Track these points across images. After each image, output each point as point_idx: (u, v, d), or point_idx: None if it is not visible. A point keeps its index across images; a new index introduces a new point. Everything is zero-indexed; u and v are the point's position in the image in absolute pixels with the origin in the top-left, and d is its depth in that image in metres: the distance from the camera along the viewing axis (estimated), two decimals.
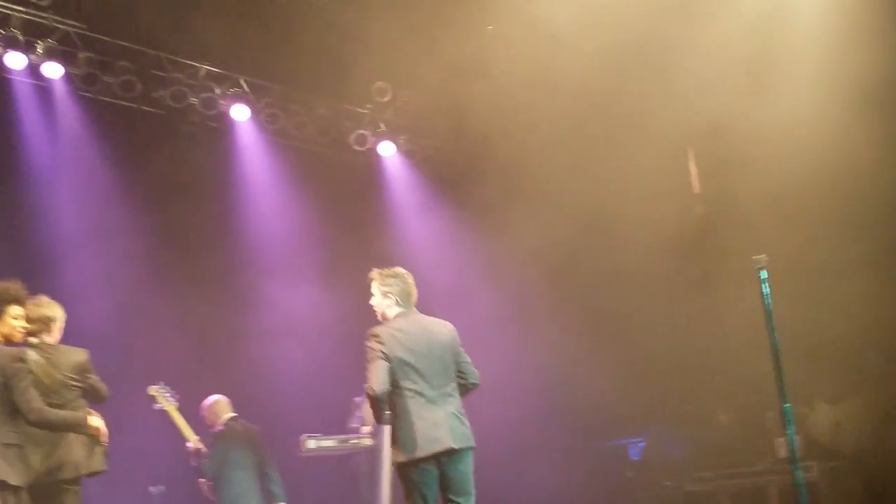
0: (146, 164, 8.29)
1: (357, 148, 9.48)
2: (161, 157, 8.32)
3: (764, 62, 7.75)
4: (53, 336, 5.04)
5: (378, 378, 4.73)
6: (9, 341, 4.62)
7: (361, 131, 9.46)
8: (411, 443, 4.73)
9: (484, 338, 8.79)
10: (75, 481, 4.91)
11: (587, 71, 7.89)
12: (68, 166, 8.01)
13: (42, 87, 7.92)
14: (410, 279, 5.25)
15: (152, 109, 8.40)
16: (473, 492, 4.89)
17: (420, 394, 4.81)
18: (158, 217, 8.35)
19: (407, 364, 4.84)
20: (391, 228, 9.71)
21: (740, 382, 8.51)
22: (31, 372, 4.59)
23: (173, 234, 8.42)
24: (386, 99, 9.31)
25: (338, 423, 7.92)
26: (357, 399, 8.07)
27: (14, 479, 4.31)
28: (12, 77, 7.76)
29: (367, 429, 7.79)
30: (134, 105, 8.28)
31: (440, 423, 4.75)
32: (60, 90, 7.98)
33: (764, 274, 5.16)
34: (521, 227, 9.16)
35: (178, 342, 8.17)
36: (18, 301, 4.63)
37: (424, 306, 8.93)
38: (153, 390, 6.55)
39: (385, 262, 9.03)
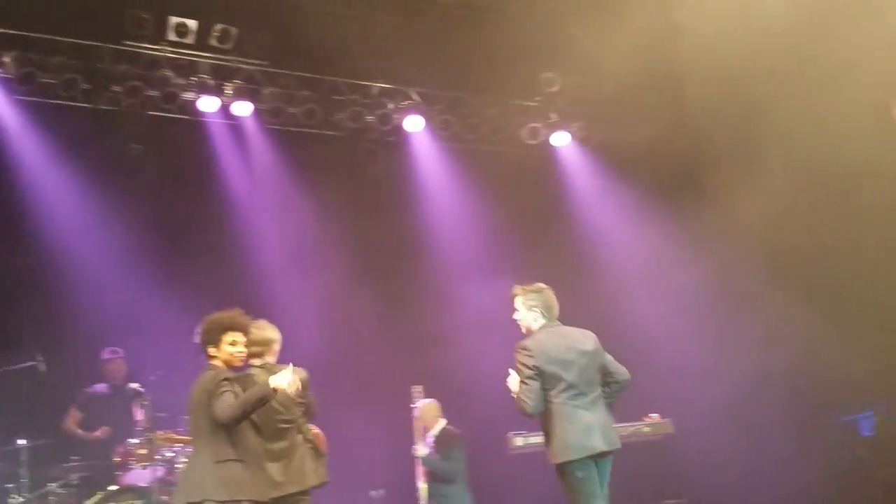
0: (334, 184, 8.66)
1: (530, 142, 9.48)
2: (346, 176, 8.69)
3: None
4: (274, 356, 5.35)
5: (531, 399, 5.12)
6: (229, 367, 4.91)
7: (533, 124, 9.45)
8: (566, 447, 5.08)
9: (688, 319, 8.62)
10: (306, 492, 5.19)
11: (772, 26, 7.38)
12: (266, 196, 8.49)
13: (234, 126, 8.46)
14: (552, 293, 5.50)
15: (333, 133, 8.78)
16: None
17: (571, 401, 5.12)
18: (351, 232, 8.70)
19: (556, 375, 5.13)
20: (573, 217, 9.61)
21: None
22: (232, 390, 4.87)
23: (367, 248, 8.74)
24: (554, 89, 9.25)
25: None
26: None
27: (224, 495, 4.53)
28: (207, 119, 8.34)
29: None
30: (316, 130, 8.67)
31: (592, 428, 5.09)
32: (251, 126, 8.50)
33: None
34: (721, 204, 8.81)
35: (384, 349, 8.50)
36: (234, 328, 4.89)
37: (624, 293, 8.95)
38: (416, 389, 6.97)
39: (571, 250, 9.20)
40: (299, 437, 5.17)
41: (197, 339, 4.88)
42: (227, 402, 4.58)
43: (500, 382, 8.21)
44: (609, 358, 5.42)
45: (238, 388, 4.77)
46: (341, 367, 7.91)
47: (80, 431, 7.27)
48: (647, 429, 7.81)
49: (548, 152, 9.67)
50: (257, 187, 8.51)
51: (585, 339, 5.37)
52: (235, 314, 4.93)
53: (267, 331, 5.37)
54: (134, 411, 7.09)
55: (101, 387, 7.47)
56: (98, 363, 7.52)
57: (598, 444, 5.09)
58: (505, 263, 8.78)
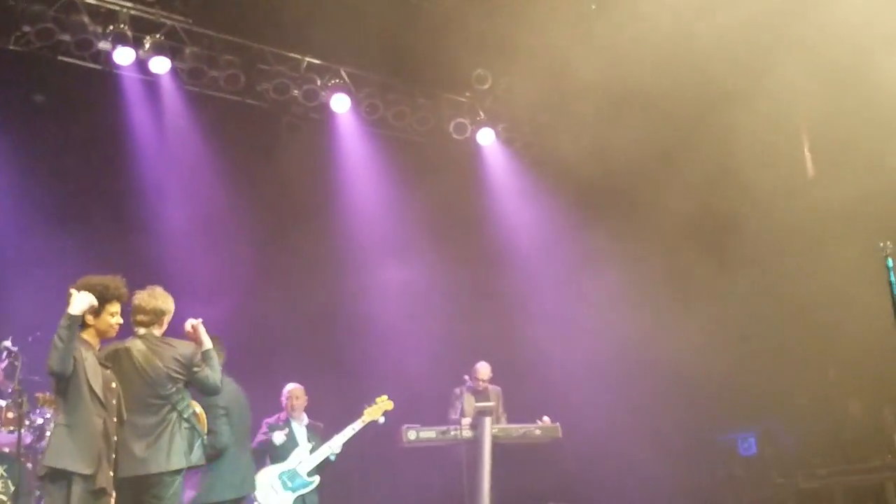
0: (250, 155, 8.44)
1: (456, 136, 9.42)
2: (264, 148, 8.48)
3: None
4: (161, 328, 5.10)
5: None
6: (102, 338, 4.62)
7: (460, 119, 9.39)
8: None
9: (590, 323, 8.73)
10: (175, 473, 4.88)
11: (699, 53, 7.55)
12: (174, 159, 8.19)
13: (149, 82, 8.12)
14: None
15: (256, 102, 8.54)
16: None
17: None
18: (262, 209, 8.48)
19: None
20: (489, 215, 9.62)
21: (859, 375, 8.12)
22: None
23: (277, 223, 8.55)
24: (486, 87, 9.21)
25: (439, 415, 7.92)
26: (457, 390, 8.06)
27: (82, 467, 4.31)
28: (121, 72, 7.98)
29: (467, 420, 7.77)
30: (238, 98, 8.42)
31: None
32: (167, 85, 8.18)
33: (890, 262, 4.88)
34: (628, 214, 8.97)
35: (288, 331, 8.33)
36: (119, 299, 4.60)
37: (530, 293, 9.04)
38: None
39: (481, 247, 9.23)
40: (173, 415, 4.89)
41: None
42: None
43: (395, 376, 8.29)
44: None
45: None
46: (242, 341, 7.66)
47: None
48: (538, 431, 7.90)
49: (472, 149, 9.63)
50: (167, 149, 8.18)
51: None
52: (119, 282, 4.61)
53: (160, 300, 5.07)
54: None
55: None
56: None
57: None
58: (413, 258, 8.75)
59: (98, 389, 4.38)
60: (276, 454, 6.84)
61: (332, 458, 6.83)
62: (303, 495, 6.76)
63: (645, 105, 8.29)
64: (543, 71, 8.40)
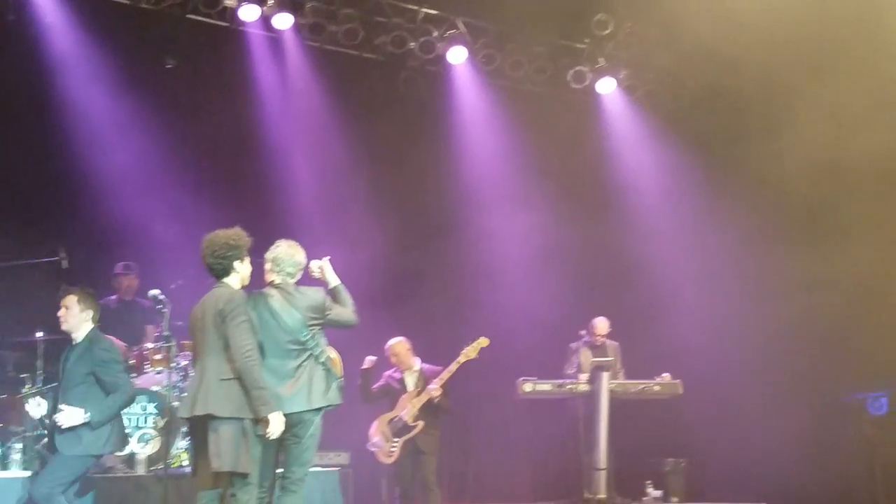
0: (370, 109, 8.54)
1: (575, 86, 9.24)
2: (382, 102, 8.57)
3: None
4: (295, 279, 5.32)
5: None
6: (243, 286, 4.92)
7: (579, 68, 9.20)
8: None
9: (711, 276, 8.52)
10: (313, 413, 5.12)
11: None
12: (298, 116, 8.39)
13: (272, 39, 8.31)
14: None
15: (373, 56, 8.61)
16: None
17: None
18: (382, 159, 8.61)
19: None
20: (611, 166, 9.44)
21: None
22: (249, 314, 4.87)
23: (396, 176, 8.66)
24: (606, 32, 8.97)
25: (555, 369, 7.96)
26: (573, 345, 8.06)
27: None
28: (246, 29, 8.19)
29: (584, 375, 7.78)
30: (356, 53, 8.50)
31: None
32: (290, 41, 8.35)
33: None
34: (754, 161, 8.63)
35: (409, 283, 8.51)
36: (249, 249, 4.90)
37: (651, 246, 8.87)
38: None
39: (606, 200, 9.10)
40: (310, 360, 5.12)
41: (221, 256, 4.82)
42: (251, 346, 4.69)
43: (513, 327, 8.37)
44: None
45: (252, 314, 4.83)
46: (367, 292, 7.86)
47: None
48: (657, 387, 7.84)
49: (591, 98, 9.44)
50: (291, 105, 8.39)
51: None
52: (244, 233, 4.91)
53: (297, 252, 5.26)
54: (143, 324, 7.15)
55: (111, 299, 7.54)
56: (111, 275, 7.57)
57: None
58: (530, 209, 8.72)
59: None
60: (390, 401, 7.06)
61: (436, 400, 6.83)
62: (412, 440, 6.84)
63: (771, 47, 7.89)
64: (667, 14, 8.09)
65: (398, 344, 7.02)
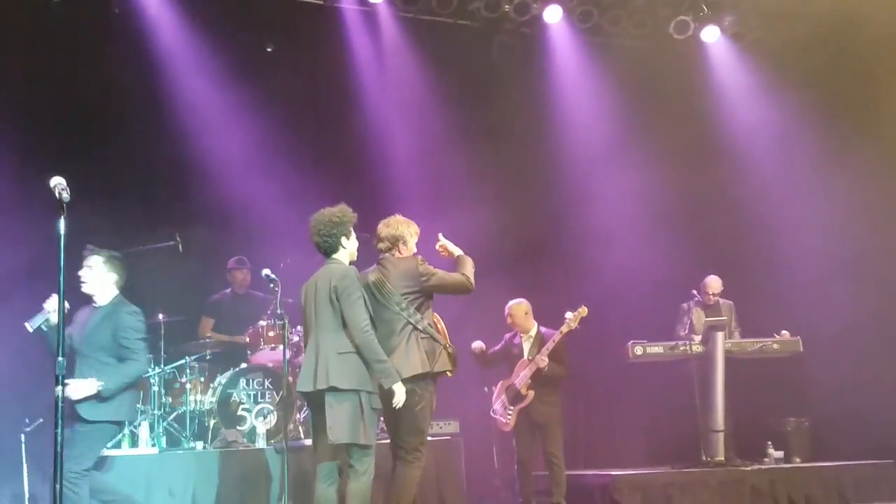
0: (465, 78, 8.47)
1: (677, 37, 8.90)
2: (478, 69, 8.48)
3: None
4: (405, 251, 5.35)
5: None
6: (351, 262, 5.07)
7: (682, 17, 8.84)
8: None
9: (829, 229, 8.12)
10: (417, 379, 5.15)
11: None
12: (396, 88, 8.41)
13: (367, 13, 8.34)
14: None
15: (468, 23, 8.51)
16: None
17: None
18: (480, 130, 8.54)
19: None
20: (720, 118, 9.05)
21: None
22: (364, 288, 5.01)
23: (493, 144, 8.58)
24: None
25: (666, 331, 7.78)
26: (685, 305, 7.86)
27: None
28: (341, 6, 8.24)
29: (697, 336, 7.58)
30: (450, 20, 8.43)
31: None
32: (384, 13, 8.36)
33: None
34: (871, 106, 8.14)
35: (513, 245, 8.45)
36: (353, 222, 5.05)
37: (764, 199, 8.50)
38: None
39: (716, 154, 8.76)
40: (408, 328, 5.17)
41: (327, 234, 4.94)
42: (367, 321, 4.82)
43: (626, 285, 8.21)
44: None
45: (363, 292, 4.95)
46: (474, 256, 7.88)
47: (219, 336, 7.62)
48: (776, 346, 7.58)
49: (695, 48, 9.07)
50: (389, 78, 8.42)
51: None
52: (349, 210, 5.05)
53: (393, 227, 5.38)
54: (258, 317, 7.34)
55: (226, 293, 7.83)
56: (225, 269, 7.87)
57: None
58: (641, 160, 8.48)
59: None
60: (509, 366, 7.00)
61: (544, 371, 6.72)
62: (526, 410, 6.77)
63: None
64: None
65: (516, 306, 6.91)
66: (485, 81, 8.59)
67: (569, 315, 6.71)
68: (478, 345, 6.93)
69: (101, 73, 7.31)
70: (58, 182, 3.82)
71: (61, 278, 3.80)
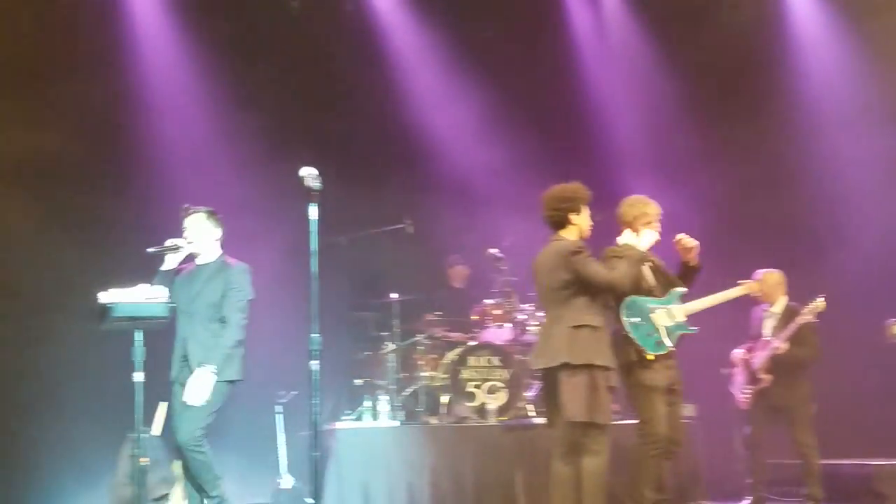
0: (690, 45, 8.14)
1: None
2: (704, 35, 8.12)
3: None
4: (643, 230, 5.14)
5: None
6: (583, 237, 4.95)
7: None
8: None
9: None
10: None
11: None
12: (619, 62, 8.23)
13: None
14: None
15: None
16: None
17: None
18: (714, 98, 8.16)
19: None
20: None
21: None
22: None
23: (732, 111, 8.14)
24: None
25: None
26: None
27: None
28: None
29: None
30: None
31: None
32: None
33: None
34: None
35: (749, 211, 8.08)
36: (589, 202, 4.94)
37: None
38: None
39: None
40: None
41: (555, 208, 4.91)
42: (621, 270, 4.77)
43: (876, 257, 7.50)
44: None
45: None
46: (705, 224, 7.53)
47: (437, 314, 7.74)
48: None
49: None
50: (610, 52, 8.25)
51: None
52: (580, 186, 4.94)
53: (623, 207, 5.25)
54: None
55: (445, 291, 7.98)
56: (444, 268, 8.04)
57: None
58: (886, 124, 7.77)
59: None
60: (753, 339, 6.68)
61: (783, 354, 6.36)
62: (762, 392, 6.43)
63: None
64: None
65: (767, 274, 6.50)
66: (711, 47, 8.16)
67: (807, 307, 6.28)
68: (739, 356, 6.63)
69: (336, 65, 7.68)
70: (308, 172, 4.02)
71: (314, 263, 3.98)
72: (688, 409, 6.89)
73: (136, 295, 4.07)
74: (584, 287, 4.76)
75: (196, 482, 4.91)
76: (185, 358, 4.94)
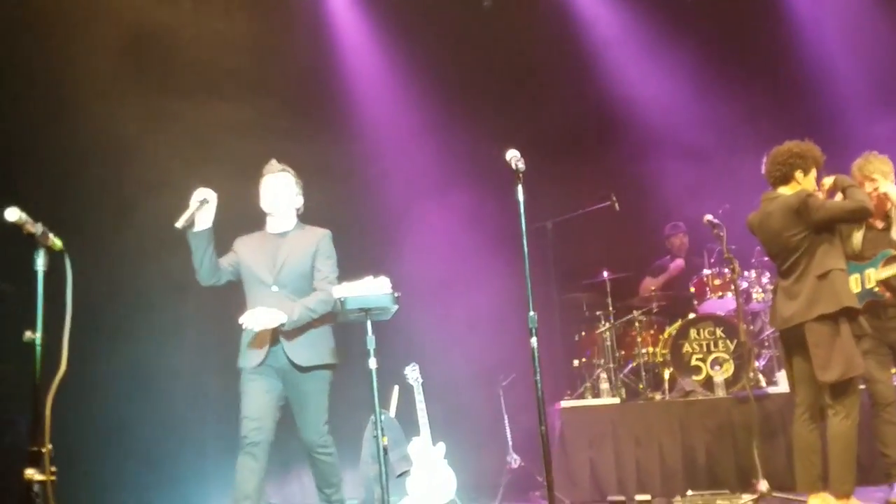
0: None
1: None
2: None
3: None
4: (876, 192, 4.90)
5: None
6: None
7: None
8: None
9: None
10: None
11: None
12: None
13: None
14: None
15: None
16: None
17: None
18: None
19: None
20: None
21: None
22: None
23: None
24: None
25: None
26: None
27: None
28: None
29: None
30: None
31: None
32: None
33: None
34: None
35: None
36: (819, 166, 4.72)
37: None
38: None
39: None
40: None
41: (781, 163, 4.72)
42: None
43: None
44: None
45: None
46: None
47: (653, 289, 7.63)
48: None
49: None
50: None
51: None
52: (813, 147, 4.74)
53: (855, 167, 5.02)
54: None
55: (666, 259, 7.79)
56: (662, 237, 7.87)
57: None
58: None
59: None
60: None
61: None
62: None
63: None
64: None
65: None
66: None
67: None
68: None
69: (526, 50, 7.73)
70: (513, 154, 4.07)
71: (524, 243, 4.03)
72: None
73: (364, 287, 4.25)
74: (821, 233, 4.56)
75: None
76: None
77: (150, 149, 6.59)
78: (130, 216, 6.42)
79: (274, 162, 4.57)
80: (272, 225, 4.53)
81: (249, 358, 4.34)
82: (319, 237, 4.48)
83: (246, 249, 4.49)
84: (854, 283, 4.83)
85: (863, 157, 5.04)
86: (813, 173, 4.74)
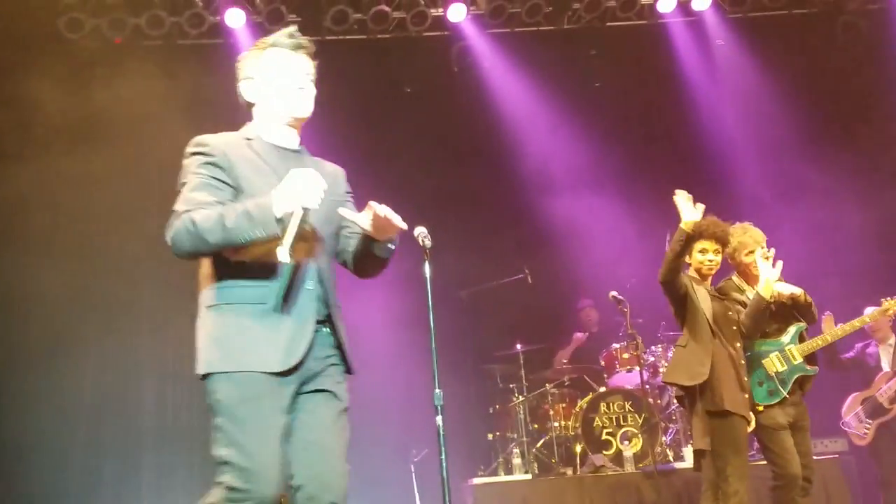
0: (809, 70, 7.88)
1: None
2: (822, 59, 7.84)
3: None
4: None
5: None
6: (700, 276, 4.82)
7: None
8: None
9: None
10: None
11: None
12: (730, 92, 8.05)
13: (691, 22, 8.11)
14: None
15: (805, 11, 7.94)
16: None
17: None
18: (834, 120, 7.86)
19: None
20: None
21: None
22: None
23: (856, 135, 7.82)
24: None
25: None
26: None
27: None
28: (665, 20, 8.08)
29: None
30: (785, 11, 7.92)
31: None
32: (710, 20, 8.07)
33: None
34: None
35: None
36: (703, 237, 4.77)
37: None
38: None
39: None
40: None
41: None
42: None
43: None
44: None
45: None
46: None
47: (564, 362, 7.76)
48: None
49: None
50: (722, 85, 8.08)
51: None
52: (708, 222, 4.79)
53: (737, 234, 5.06)
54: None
55: (579, 336, 7.92)
56: (574, 310, 8.02)
57: None
58: None
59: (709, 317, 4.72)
60: (863, 377, 6.51)
61: None
62: (888, 424, 6.25)
63: None
64: None
65: (873, 312, 6.25)
66: (829, 71, 7.89)
67: None
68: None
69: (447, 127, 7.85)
70: (420, 231, 4.01)
71: (430, 318, 4.01)
72: (839, 444, 6.58)
73: None
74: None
75: None
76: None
77: None
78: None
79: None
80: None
81: (277, 350, 2.66)
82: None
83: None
84: (779, 362, 4.85)
85: (741, 226, 5.10)
86: (698, 245, 4.84)
